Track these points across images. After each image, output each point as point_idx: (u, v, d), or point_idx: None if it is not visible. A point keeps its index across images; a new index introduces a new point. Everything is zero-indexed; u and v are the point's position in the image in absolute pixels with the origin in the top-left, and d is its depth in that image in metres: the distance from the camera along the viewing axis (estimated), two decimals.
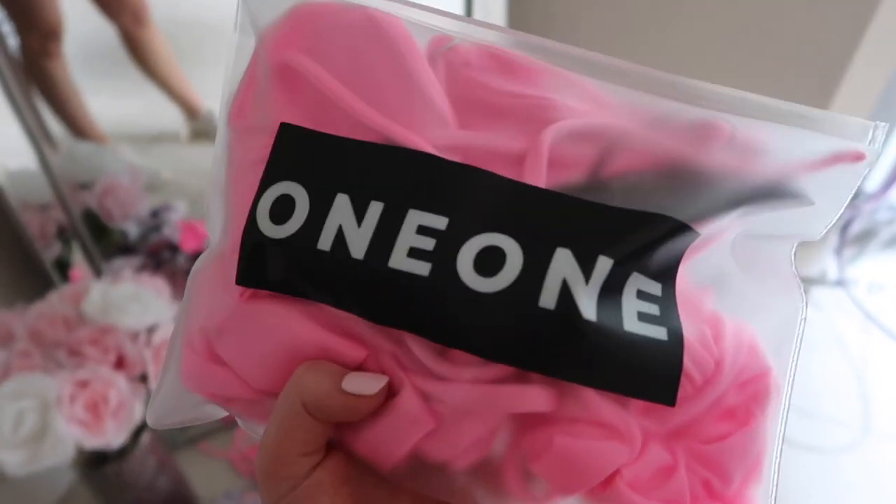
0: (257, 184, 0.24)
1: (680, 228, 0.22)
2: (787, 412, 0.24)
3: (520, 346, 0.21)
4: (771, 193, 0.23)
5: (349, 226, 0.23)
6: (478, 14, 0.96)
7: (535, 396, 0.22)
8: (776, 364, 0.25)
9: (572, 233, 0.22)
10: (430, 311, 0.22)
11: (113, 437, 0.69)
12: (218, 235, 0.27)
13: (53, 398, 0.66)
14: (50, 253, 0.92)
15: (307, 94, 0.24)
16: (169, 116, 1.01)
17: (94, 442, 0.68)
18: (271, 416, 0.23)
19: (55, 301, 0.75)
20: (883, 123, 0.23)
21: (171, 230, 1.01)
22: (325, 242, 0.23)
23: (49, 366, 0.70)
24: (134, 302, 0.74)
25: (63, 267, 0.94)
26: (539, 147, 0.23)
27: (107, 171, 0.95)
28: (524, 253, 0.22)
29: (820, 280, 1.42)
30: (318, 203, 0.23)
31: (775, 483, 0.24)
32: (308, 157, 0.24)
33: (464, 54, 0.24)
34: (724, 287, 0.25)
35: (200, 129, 0.99)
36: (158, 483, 0.88)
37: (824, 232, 0.24)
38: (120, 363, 0.72)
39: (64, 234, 0.93)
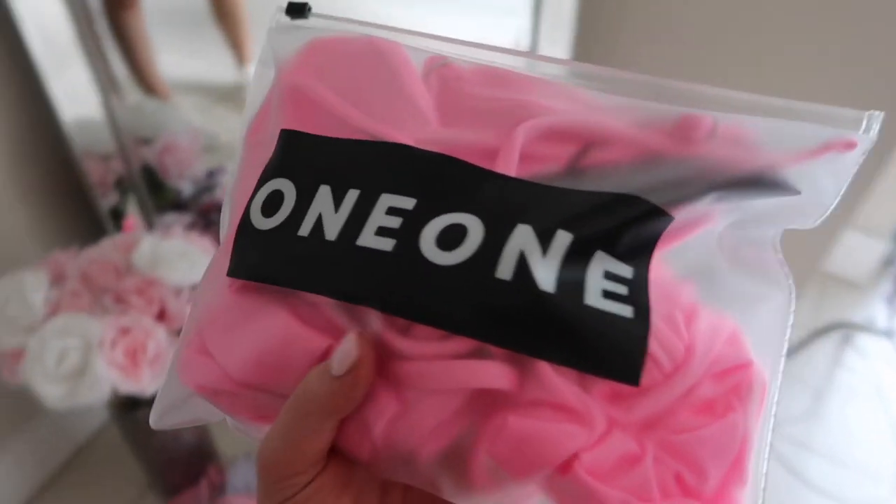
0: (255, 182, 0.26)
1: (650, 211, 0.22)
2: (774, 412, 0.24)
3: (476, 317, 0.22)
4: (752, 182, 0.23)
5: (327, 212, 0.24)
6: (543, 41, 0.96)
7: (493, 372, 0.22)
8: (762, 357, 0.24)
9: (535, 211, 0.22)
10: (391, 285, 0.22)
11: (147, 384, 0.72)
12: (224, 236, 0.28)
13: (96, 340, 0.69)
14: (107, 202, 0.95)
15: (310, 109, 0.26)
16: (232, 80, 1.04)
17: (129, 387, 0.71)
18: (277, 421, 0.23)
19: (107, 248, 0.78)
20: (878, 112, 0.22)
21: (223, 193, 1.03)
22: (304, 229, 0.24)
23: (95, 309, 0.73)
24: (182, 258, 0.76)
25: (118, 216, 0.97)
26: (512, 140, 0.23)
27: (168, 129, 0.98)
28: (485, 229, 0.22)
29: (867, 327, 1.37)
30: (303, 195, 0.24)
31: (762, 489, 0.23)
32: (300, 155, 0.25)
33: (457, 70, 0.26)
34: (708, 279, 0.24)
35: None
36: (184, 435, 0.92)
37: (818, 222, 0.24)
38: (162, 315, 0.75)
39: (122, 185, 0.96)
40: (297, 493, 0.23)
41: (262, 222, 0.25)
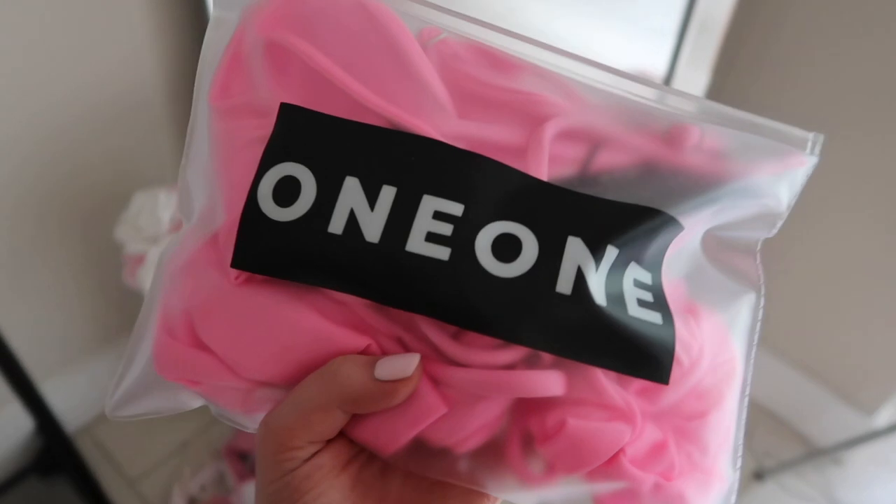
0: (255, 164, 0.24)
1: (670, 222, 0.24)
2: (748, 393, 0.27)
3: (541, 330, 0.22)
4: (739, 192, 0.25)
5: (361, 209, 0.22)
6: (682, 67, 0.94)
7: (550, 381, 0.23)
8: (739, 348, 0.27)
9: (581, 222, 0.23)
10: (452, 294, 0.22)
11: None
12: (196, 215, 0.26)
13: None
14: None
15: (300, 75, 0.24)
16: None
17: None
18: (287, 403, 0.23)
19: None
20: (820, 134, 0.25)
21: None
22: (336, 226, 0.22)
23: None
24: None
25: None
26: (540, 142, 0.24)
27: None
28: (538, 241, 0.23)
29: None
30: (326, 186, 0.23)
31: (740, 454, 0.27)
32: (312, 138, 0.23)
33: (453, 46, 0.25)
34: (696, 279, 0.26)
35: None
36: None
37: (776, 231, 0.27)
38: None
39: None
40: (296, 469, 0.23)
41: (276, 212, 0.23)
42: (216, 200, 0.25)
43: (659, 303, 0.24)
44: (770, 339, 1.26)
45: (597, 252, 0.23)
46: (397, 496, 0.25)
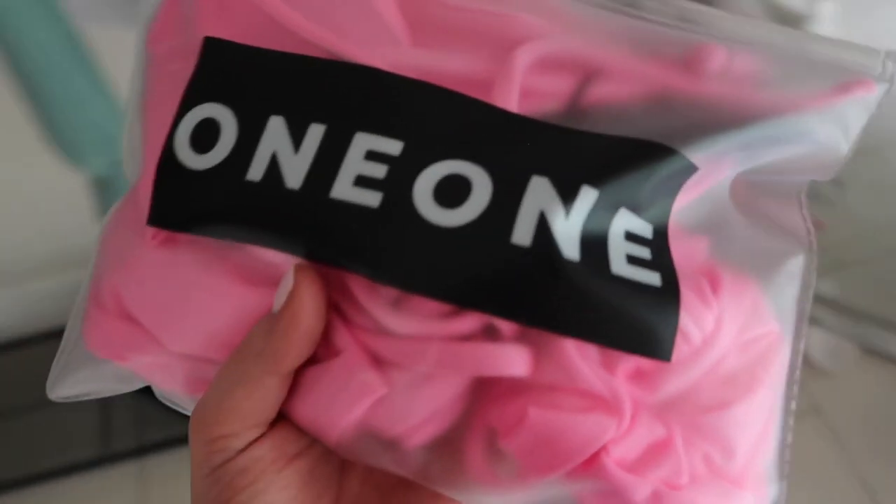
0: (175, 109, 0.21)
1: (674, 159, 0.20)
2: (797, 380, 0.22)
3: (489, 289, 0.19)
4: (774, 129, 0.20)
5: (285, 152, 0.20)
6: None
7: (510, 357, 0.19)
8: (783, 322, 0.22)
9: (550, 159, 0.19)
10: (380, 248, 0.19)
11: None
12: (135, 173, 0.24)
13: None
14: None
15: (238, 10, 0.22)
16: None
17: None
18: (215, 380, 0.21)
19: None
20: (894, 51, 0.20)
21: None
22: (255, 172, 0.20)
23: None
24: None
25: None
26: (510, 69, 0.20)
27: None
28: (493, 181, 0.19)
29: None
30: (248, 127, 0.20)
31: (786, 461, 0.22)
32: (236, 74, 0.21)
33: None
34: (722, 235, 0.22)
35: None
36: None
37: (833, 174, 0.22)
38: None
39: None
40: (230, 461, 0.20)
41: (193, 159, 0.20)
42: (142, 153, 0.23)
43: (660, 261, 0.20)
44: None
45: (567, 194, 0.19)
46: (356, 496, 0.22)
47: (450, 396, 0.20)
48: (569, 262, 0.19)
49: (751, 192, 0.22)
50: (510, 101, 0.20)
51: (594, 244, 0.19)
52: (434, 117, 0.20)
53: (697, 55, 0.20)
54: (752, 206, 0.22)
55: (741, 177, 0.21)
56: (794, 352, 0.22)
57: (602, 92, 0.20)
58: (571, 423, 0.19)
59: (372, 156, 0.19)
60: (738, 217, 0.22)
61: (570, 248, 0.19)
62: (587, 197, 0.19)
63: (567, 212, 0.19)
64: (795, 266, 0.22)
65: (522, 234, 0.19)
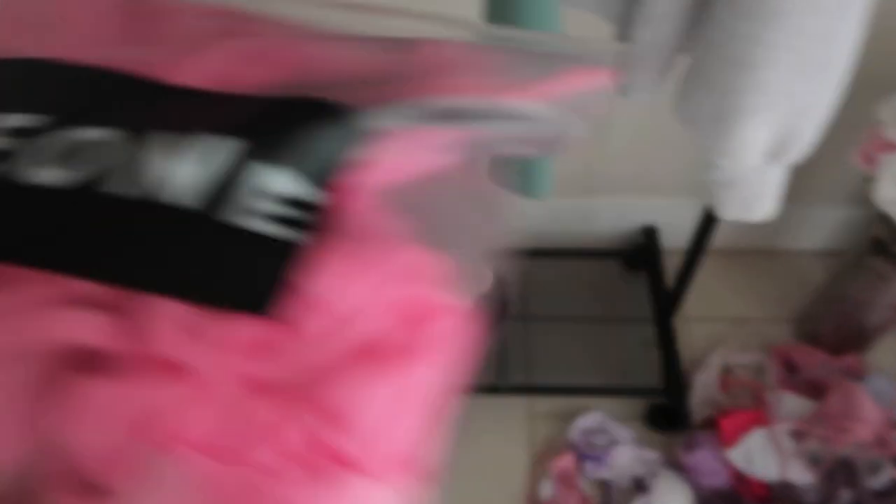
0: None
1: (339, 117, 0.19)
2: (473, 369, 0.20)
3: (80, 245, 0.18)
4: (484, 111, 0.21)
5: None
6: None
7: (79, 320, 0.17)
8: (460, 298, 0.21)
9: (184, 117, 0.19)
10: None
11: None
12: None
13: None
14: None
15: None
16: None
17: None
18: None
19: None
20: (623, 45, 0.17)
21: None
22: None
23: None
24: None
25: None
26: (201, 57, 0.21)
27: None
28: (117, 143, 0.19)
29: None
30: None
31: (431, 452, 0.20)
32: None
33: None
34: (426, 214, 0.21)
35: None
36: None
37: (562, 151, 0.20)
38: None
39: None
40: None
41: None
42: None
43: (304, 221, 0.19)
44: None
45: (182, 143, 0.19)
46: None
47: (19, 382, 0.17)
48: (186, 210, 0.18)
49: (463, 171, 0.21)
50: (182, 77, 0.20)
51: (221, 195, 0.18)
52: (93, 96, 0.20)
53: (410, 46, 0.21)
54: (463, 183, 0.22)
55: (468, 159, 0.21)
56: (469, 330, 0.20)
57: (295, 77, 0.20)
58: (128, 395, 0.17)
59: (11, 132, 0.20)
60: (444, 195, 0.21)
61: (190, 195, 0.18)
62: (216, 148, 0.18)
63: (182, 161, 0.18)
64: (487, 239, 0.21)
65: (133, 186, 0.18)
